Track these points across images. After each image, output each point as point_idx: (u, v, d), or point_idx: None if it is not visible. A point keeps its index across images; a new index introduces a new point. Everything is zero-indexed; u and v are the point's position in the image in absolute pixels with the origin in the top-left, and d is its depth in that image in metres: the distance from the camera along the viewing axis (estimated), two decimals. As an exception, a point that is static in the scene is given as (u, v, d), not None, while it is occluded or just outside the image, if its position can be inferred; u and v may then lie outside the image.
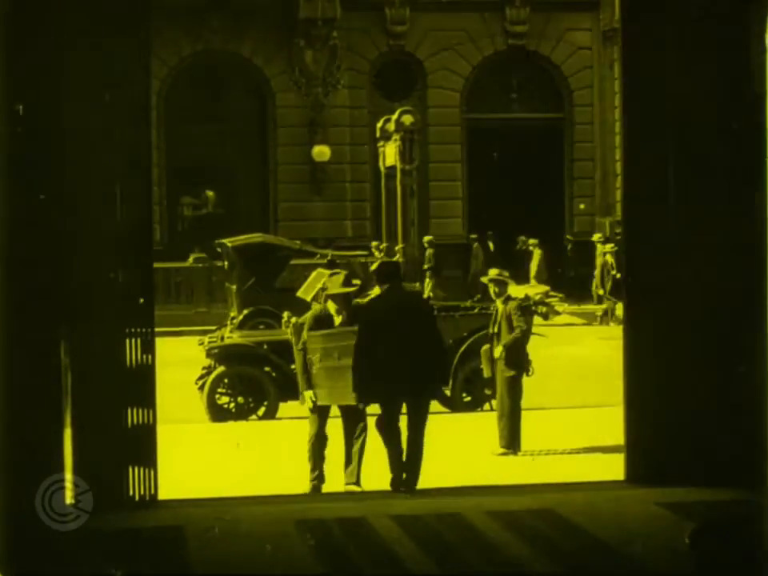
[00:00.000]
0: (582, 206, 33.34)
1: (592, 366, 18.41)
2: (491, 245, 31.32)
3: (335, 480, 11.53)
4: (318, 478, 11.47)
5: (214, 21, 30.88)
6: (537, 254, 30.19)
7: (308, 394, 11.23)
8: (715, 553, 7.47)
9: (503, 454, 12.95)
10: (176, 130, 31.18)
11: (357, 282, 11.61)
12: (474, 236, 30.76)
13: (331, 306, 11.32)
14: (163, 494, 10.37)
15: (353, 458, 11.21)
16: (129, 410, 10.20)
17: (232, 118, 31.93)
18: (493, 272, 13.77)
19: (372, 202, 31.36)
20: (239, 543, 9.23)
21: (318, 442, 11.40)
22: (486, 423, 14.65)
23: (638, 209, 11.03)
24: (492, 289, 13.51)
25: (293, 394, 15.56)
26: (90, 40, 9.96)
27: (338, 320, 11.28)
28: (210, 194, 33.02)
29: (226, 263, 23.86)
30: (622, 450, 11.03)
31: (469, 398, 15.69)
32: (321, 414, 11.32)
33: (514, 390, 13.12)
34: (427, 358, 10.13)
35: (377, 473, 11.75)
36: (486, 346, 13.66)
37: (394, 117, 24.84)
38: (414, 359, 10.04)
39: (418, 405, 10.25)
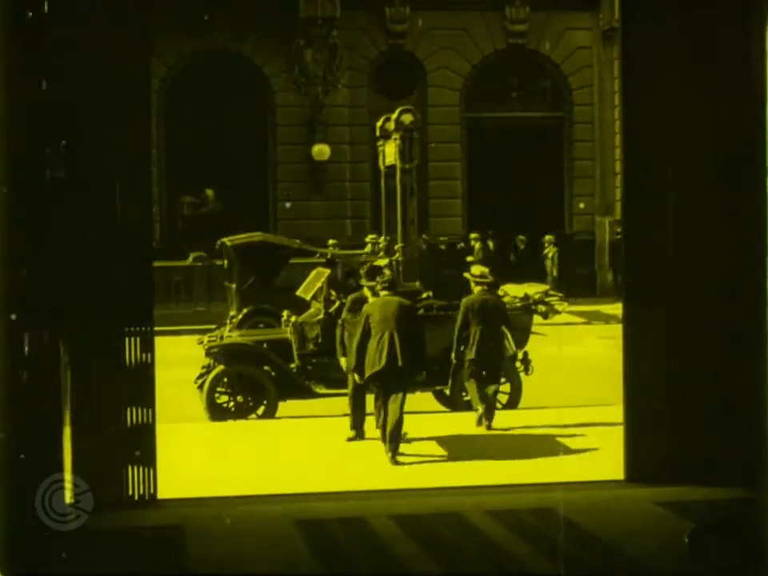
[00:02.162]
0: (581, 205, 33.30)
1: (591, 365, 18.39)
2: (491, 244, 31.28)
3: (334, 480, 11.54)
4: (355, 428, 13.48)
5: (214, 20, 30.85)
6: (552, 251, 30.42)
7: (343, 360, 13.69)
8: (714, 552, 7.48)
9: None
10: (176, 128, 31.16)
11: (388, 273, 13.73)
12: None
13: (367, 292, 13.50)
14: (163, 493, 10.38)
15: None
16: (128, 410, 10.20)
17: (232, 116, 31.88)
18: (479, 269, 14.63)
19: (372, 201, 31.33)
20: (239, 542, 9.23)
21: (353, 397, 13.50)
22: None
23: (638, 208, 11.04)
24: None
25: (292, 392, 15.60)
26: (91, 39, 9.96)
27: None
28: (210, 192, 32.98)
29: (225, 262, 23.84)
30: (622, 449, 11.03)
31: (468, 398, 15.64)
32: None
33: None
34: (409, 348, 12.35)
35: (376, 472, 11.77)
36: None
37: (394, 116, 24.73)
38: (400, 349, 12.28)
39: (401, 385, 12.45)
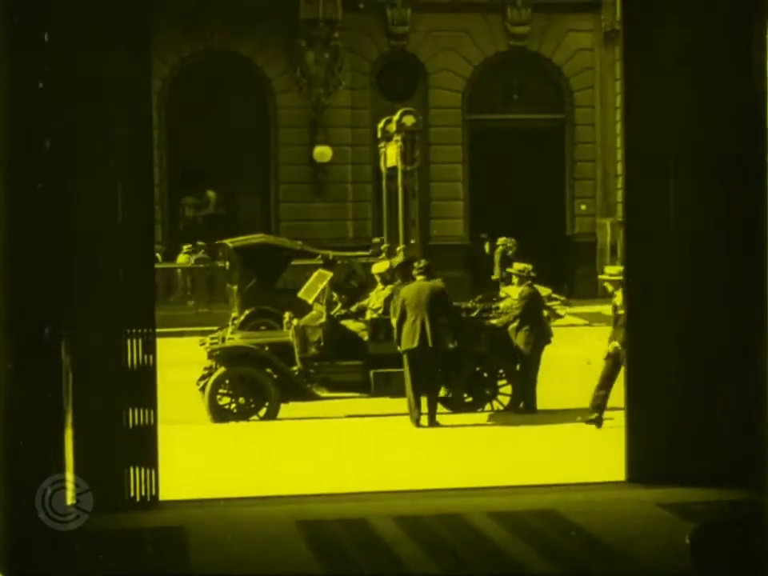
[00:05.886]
0: (583, 207, 33.31)
1: (593, 367, 18.38)
2: (487, 246, 31.24)
3: (335, 481, 11.55)
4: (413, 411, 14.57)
5: (215, 21, 30.87)
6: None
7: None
8: (715, 553, 7.47)
9: None
10: (177, 129, 31.17)
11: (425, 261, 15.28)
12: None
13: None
14: (164, 495, 10.38)
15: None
16: (130, 411, 10.21)
17: (233, 118, 31.90)
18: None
19: (373, 203, 31.34)
20: (240, 544, 9.24)
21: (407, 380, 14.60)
22: (485, 423, 14.70)
23: (639, 210, 11.04)
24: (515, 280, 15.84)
25: (294, 395, 15.61)
26: (91, 39, 9.97)
27: None
28: (211, 194, 32.97)
29: (227, 264, 23.85)
30: (623, 450, 11.03)
31: (470, 399, 15.66)
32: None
33: None
34: (439, 329, 14.34)
35: (377, 472, 11.78)
36: None
37: (395, 117, 24.79)
38: (430, 331, 14.23)
39: (433, 360, 14.48)
